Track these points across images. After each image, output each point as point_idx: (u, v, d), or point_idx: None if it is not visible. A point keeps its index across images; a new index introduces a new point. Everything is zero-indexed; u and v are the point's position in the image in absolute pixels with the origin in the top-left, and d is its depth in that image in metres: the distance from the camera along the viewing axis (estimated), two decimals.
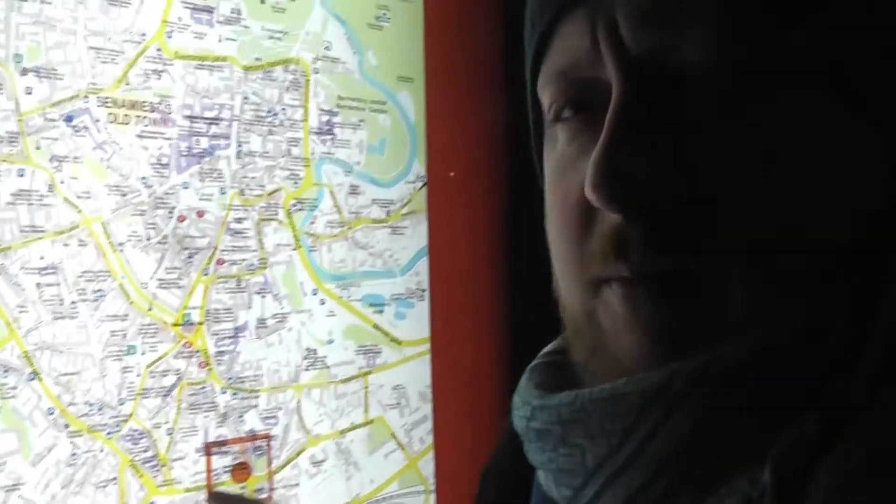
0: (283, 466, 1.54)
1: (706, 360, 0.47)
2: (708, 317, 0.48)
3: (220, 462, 1.48)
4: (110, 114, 1.38)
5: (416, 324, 1.73)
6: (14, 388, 1.29)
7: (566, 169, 0.55)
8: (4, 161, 1.29)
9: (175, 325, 1.44)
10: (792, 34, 0.48)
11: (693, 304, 0.48)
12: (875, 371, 0.44)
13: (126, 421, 1.38)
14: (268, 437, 1.53)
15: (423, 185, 1.74)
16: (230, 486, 1.48)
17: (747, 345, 0.47)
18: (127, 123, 1.39)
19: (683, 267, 0.48)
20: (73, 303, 1.34)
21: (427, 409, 1.73)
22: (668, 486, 0.48)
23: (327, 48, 1.62)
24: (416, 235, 1.73)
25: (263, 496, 1.51)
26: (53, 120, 1.33)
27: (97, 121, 1.37)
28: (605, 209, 0.49)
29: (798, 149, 0.48)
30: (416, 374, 1.72)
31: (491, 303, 1.84)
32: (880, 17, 0.50)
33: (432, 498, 1.71)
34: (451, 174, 1.79)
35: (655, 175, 0.47)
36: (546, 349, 0.65)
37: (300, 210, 1.58)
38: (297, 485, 1.55)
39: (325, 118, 1.62)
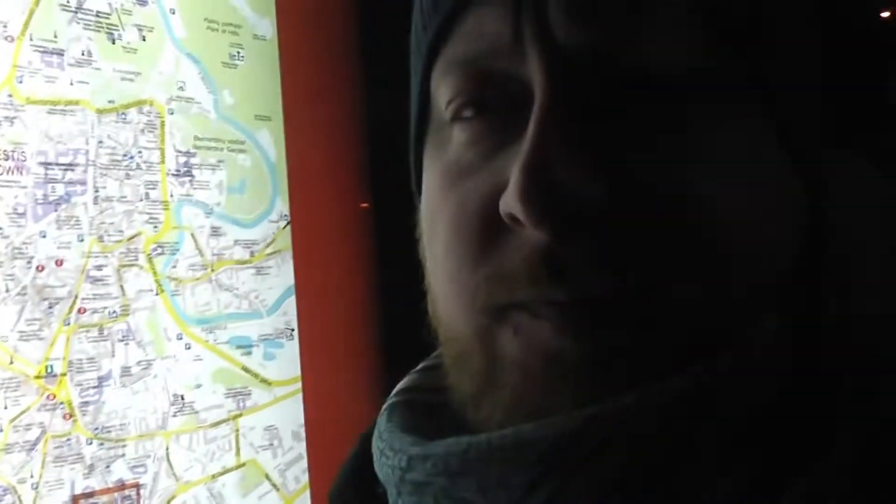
0: None
1: (635, 400, 0.41)
2: (646, 348, 0.42)
3: None
4: None
5: (286, 363, 1.72)
6: None
7: (463, 175, 0.47)
8: None
9: (37, 377, 1.39)
10: (735, 59, 0.43)
11: (633, 333, 0.42)
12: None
13: None
14: (137, 486, 1.49)
15: (287, 223, 1.73)
16: None
17: (682, 382, 0.41)
18: None
19: (628, 291, 0.42)
20: None
21: (301, 448, 1.72)
22: None
23: (181, 88, 1.61)
24: (282, 274, 1.72)
25: None
26: None
27: None
28: (534, 227, 0.42)
29: (736, 171, 0.43)
30: (288, 413, 1.71)
31: (362, 338, 1.84)
32: (813, 54, 0.48)
33: None
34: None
35: (589, 191, 0.41)
36: (401, 386, 0.57)
37: (161, 254, 1.55)
38: None
39: (182, 160, 1.60)
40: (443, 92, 0.48)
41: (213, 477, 1.59)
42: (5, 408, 1.36)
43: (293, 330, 1.73)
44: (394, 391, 0.56)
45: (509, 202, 0.42)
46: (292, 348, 1.73)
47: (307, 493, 1.72)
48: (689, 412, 0.41)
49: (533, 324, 0.44)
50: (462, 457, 0.43)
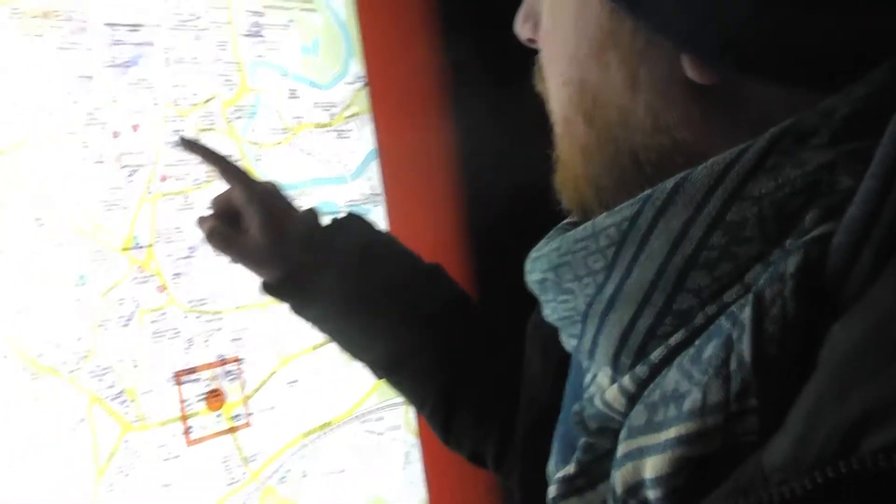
0: (257, 389, 1.44)
1: (675, 183, 0.45)
2: None
3: (192, 391, 1.36)
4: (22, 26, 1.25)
5: None
6: None
7: None
8: None
9: (124, 249, 1.32)
10: None
11: None
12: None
13: (87, 357, 1.26)
14: (238, 361, 1.42)
15: (364, 85, 1.64)
16: (206, 415, 1.37)
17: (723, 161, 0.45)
18: (41, 35, 1.26)
19: None
20: None
21: None
22: (655, 319, 0.46)
23: None
24: (363, 138, 1.63)
25: (241, 423, 1.41)
26: None
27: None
28: None
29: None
30: None
31: (447, 200, 1.75)
32: None
33: (412, 409, 1.62)
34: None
35: None
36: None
37: (239, 118, 1.46)
38: (273, 407, 1.44)
39: (251, 20, 1.50)
40: None
41: (314, 348, 1.52)
42: (95, 282, 1.28)
43: (378, 195, 1.64)
44: None
45: None
46: (379, 214, 1.64)
47: None
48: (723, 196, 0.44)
49: None
50: (558, 251, 0.51)
